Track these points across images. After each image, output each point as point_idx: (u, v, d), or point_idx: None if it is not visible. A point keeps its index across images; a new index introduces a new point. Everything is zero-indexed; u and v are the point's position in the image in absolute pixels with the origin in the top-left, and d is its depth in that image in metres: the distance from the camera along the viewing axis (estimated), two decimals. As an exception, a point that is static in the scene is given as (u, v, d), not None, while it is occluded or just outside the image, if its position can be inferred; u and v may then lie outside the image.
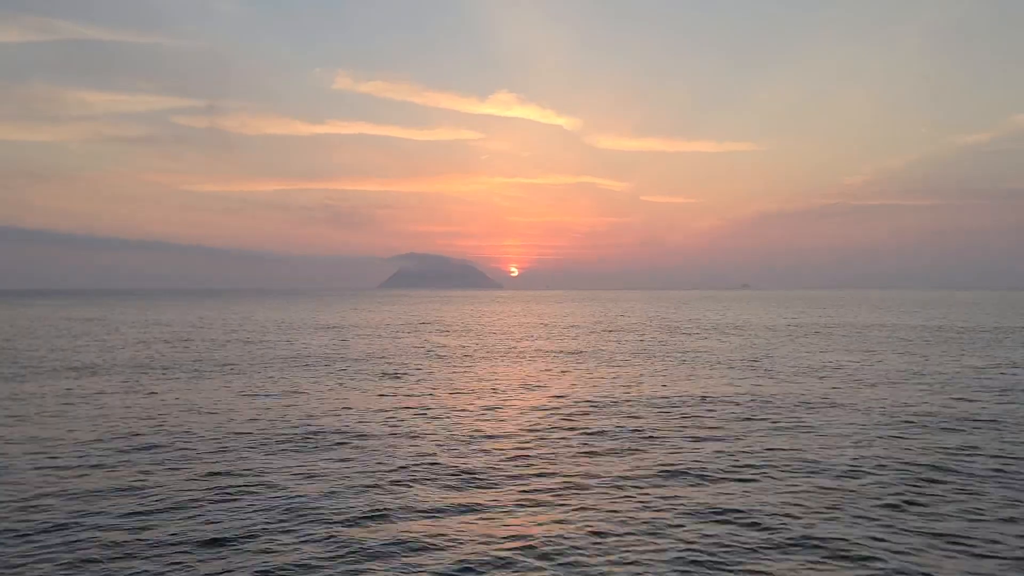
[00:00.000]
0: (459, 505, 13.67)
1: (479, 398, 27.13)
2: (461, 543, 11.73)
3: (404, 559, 11.11)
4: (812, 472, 16.00)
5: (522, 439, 19.69)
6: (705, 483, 15.16)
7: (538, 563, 10.95)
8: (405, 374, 34.55)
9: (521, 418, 22.91)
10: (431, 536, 12.04)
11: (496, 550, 11.44)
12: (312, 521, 12.70)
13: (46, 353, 44.26)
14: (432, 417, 22.96)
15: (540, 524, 12.62)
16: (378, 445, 18.82)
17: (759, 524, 12.58)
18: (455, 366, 38.49)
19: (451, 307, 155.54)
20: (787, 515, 13.04)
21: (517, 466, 16.66)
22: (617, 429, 20.89)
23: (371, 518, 12.90)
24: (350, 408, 24.59)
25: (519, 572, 10.68)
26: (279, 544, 11.65)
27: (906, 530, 12.35)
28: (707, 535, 12.06)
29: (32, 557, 11.15)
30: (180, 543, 11.66)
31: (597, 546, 11.60)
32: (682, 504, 13.70)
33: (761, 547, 11.56)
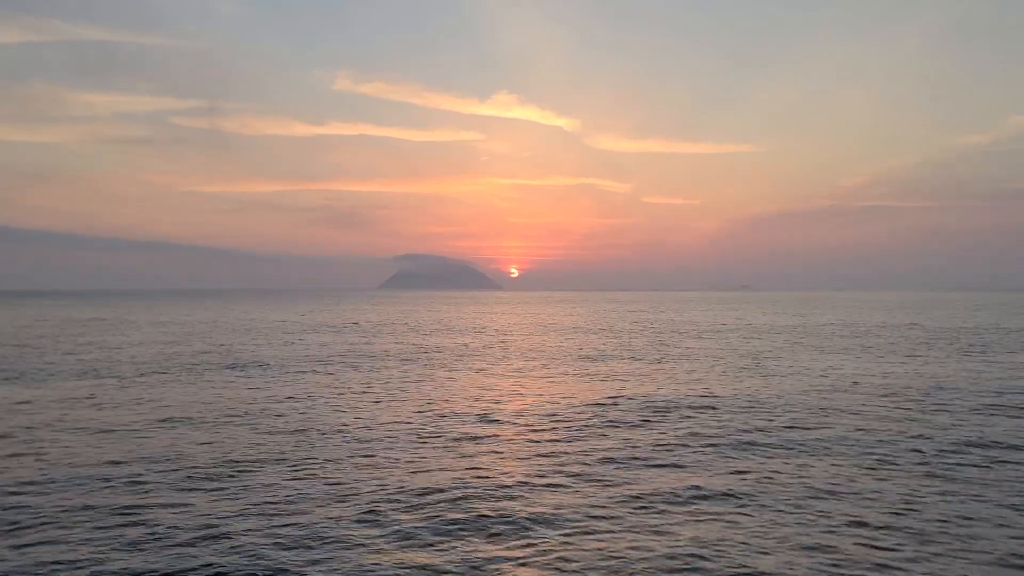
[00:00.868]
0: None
1: (478, 399, 27.27)
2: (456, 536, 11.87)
3: (401, 555, 11.27)
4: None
5: (522, 439, 19.85)
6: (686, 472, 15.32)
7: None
8: (403, 374, 34.69)
9: (520, 419, 23.07)
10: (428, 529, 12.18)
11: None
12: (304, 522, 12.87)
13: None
14: (429, 420, 23.12)
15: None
16: (378, 444, 18.99)
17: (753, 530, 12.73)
18: (451, 367, 38.61)
19: (451, 308, 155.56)
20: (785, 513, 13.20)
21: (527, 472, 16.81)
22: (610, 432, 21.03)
23: (371, 518, 13.09)
24: (347, 409, 24.74)
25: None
26: (251, 537, 11.81)
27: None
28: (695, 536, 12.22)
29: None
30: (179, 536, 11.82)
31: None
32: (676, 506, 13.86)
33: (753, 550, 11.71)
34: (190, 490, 14.77)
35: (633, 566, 10.94)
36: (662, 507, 13.70)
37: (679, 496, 14.36)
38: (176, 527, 12.49)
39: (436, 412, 24.14)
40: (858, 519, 12.99)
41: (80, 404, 25.52)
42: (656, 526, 12.66)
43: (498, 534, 12.30)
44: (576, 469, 16.57)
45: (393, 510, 13.48)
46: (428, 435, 20.33)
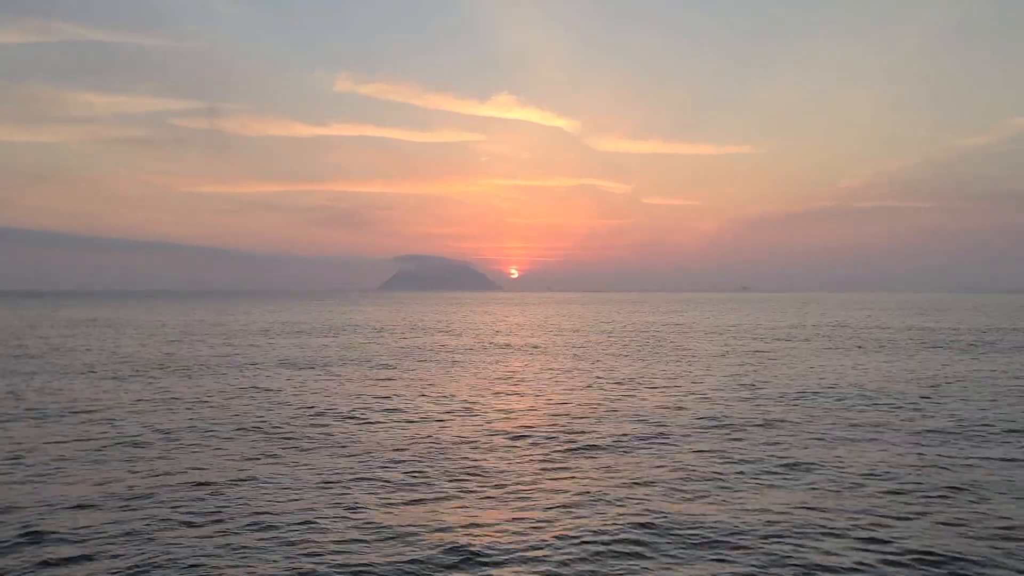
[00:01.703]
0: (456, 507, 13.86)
1: (479, 399, 27.27)
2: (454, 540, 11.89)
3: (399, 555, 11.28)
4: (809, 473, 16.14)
5: (521, 441, 19.86)
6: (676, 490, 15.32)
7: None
8: (401, 376, 34.68)
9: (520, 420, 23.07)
10: (425, 531, 12.20)
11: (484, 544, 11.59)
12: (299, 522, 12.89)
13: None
14: (428, 420, 23.13)
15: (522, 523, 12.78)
16: (379, 446, 18.99)
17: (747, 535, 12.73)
18: (448, 367, 38.61)
19: (452, 308, 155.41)
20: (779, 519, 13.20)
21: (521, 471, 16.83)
22: (606, 433, 21.03)
23: (374, 520, 13.10)
24: (342, 411, 24.75)
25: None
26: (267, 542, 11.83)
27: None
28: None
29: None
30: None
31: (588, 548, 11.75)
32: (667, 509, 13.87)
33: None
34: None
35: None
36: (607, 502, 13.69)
37: (666, 480, 14.34)
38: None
39: (430, 417, 24.14)
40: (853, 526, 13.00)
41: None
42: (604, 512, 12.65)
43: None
44: (575, 486, 16.55)
45: (387, 511, 13.48)
46: (421, 438, 20.33)
